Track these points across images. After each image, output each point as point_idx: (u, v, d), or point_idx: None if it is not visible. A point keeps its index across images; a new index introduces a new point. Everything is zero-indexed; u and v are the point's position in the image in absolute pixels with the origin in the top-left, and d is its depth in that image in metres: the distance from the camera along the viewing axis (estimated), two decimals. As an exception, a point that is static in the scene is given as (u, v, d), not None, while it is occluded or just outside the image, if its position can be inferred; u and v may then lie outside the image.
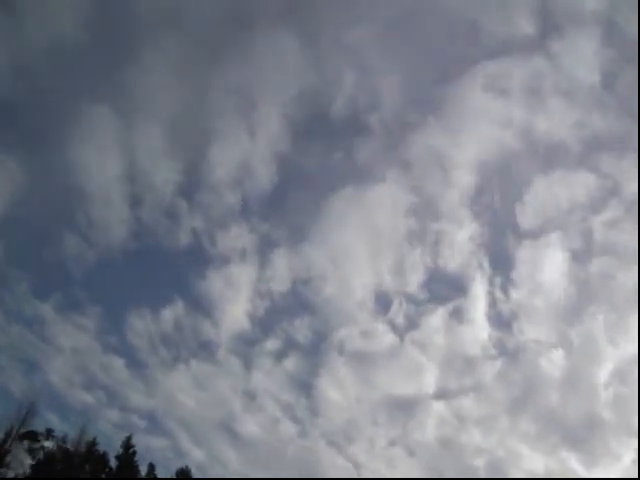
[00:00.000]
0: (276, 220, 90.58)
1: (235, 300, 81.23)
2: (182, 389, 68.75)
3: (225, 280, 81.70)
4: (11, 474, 41.00)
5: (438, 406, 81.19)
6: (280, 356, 79.59)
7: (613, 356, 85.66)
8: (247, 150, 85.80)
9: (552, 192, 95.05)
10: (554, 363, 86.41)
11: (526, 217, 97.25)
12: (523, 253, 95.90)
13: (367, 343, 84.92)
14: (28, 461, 42.55)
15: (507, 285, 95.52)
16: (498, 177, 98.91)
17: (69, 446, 44.32)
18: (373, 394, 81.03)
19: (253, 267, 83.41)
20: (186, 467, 46.98)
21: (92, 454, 44.56)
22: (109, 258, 76.64)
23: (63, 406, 59.77)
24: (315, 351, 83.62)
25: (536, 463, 72.78)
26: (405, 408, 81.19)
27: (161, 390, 68.49)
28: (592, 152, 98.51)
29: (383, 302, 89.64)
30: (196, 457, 61.59)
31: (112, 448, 45.68)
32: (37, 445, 43.90)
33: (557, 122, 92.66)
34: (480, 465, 73.00)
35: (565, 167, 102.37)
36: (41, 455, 43.68)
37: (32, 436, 43.71)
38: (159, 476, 46.60)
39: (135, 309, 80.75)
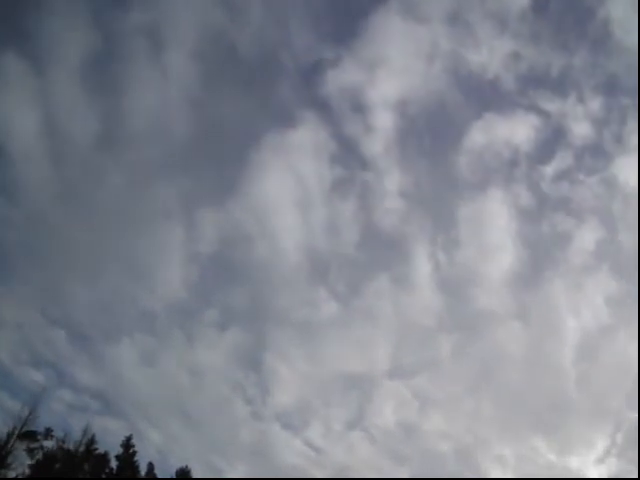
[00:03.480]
0: (198, 175, 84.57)
1: (167, 264, 77.11)
2: (129, 365, 66.49)
3: (154, 242, 77.37)
4: (12, 474, 40.89)
5: (394, 386, 77.33)
6: (221, 327, 76.32)
7: (576, 328, 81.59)
8: (162, 96, 79.98)
9: (491, 137, 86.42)
10: (513, 337, 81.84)
11: (464, 167, 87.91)
12: (464, 210, 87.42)
13: (309, 312, 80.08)
14: (28, 461, 42.51)
15: (450, 247, 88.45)
16: (426, 120, 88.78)
17: (69, 446, 44.35)
18: (324, 370, 76.93)
19: (180, 227, 79.12)
20: (186, 467, 47.47)
21: (92, 454, 44.66)
22: (39, 219, 71.13)
23: (12, 383, 56.47)
24: (256, 321, 79.44)
25: (505, 449, 70.90)
26: (359, 387, 77.18)
27: (108, 366, 65.83)
28: (530, 89, 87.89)
29: (320, 266, 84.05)
30: (154, 440, 58.94)
31: (72, 431, 44.80)
32: (36, 445, 43.84)
33: (488, 54, 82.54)
34: (446, 451, 71.00)
35: (503, 107, 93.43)
36: (40, 455, 43.64)
37: (31, 436, 43.62)
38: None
39: (71, 278, 75.89)
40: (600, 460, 68.13)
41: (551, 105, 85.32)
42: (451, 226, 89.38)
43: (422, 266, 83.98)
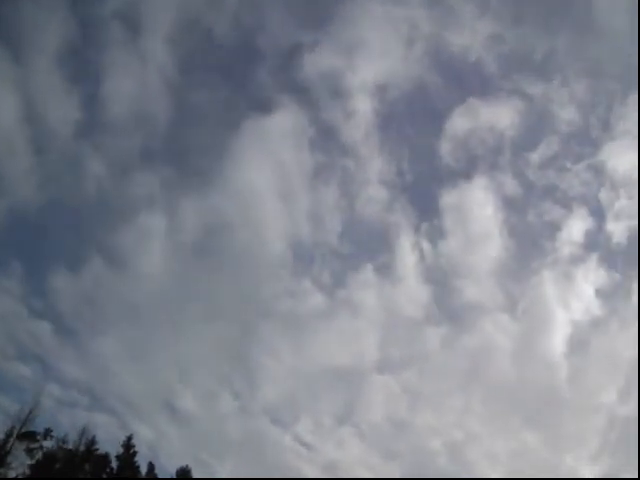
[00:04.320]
0: (179, 162, 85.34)
1: (150, 254, 76.21)
2: (115, 358, 64.78)
3: (136, 231, 76.20)
4: (12, 474, 40.62)
5: (383, 380, 76.00)
6: (206, 319, 74.31)
7: (566, 321, 79.95)
8: (140, 83, 79.31)
9: (474, 122, 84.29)
10: (502, 329, 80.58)
11: (447, 154, 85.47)
12: (448, 198, 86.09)
13: (294, 303, 78.88)
14: (28, 461, 42.23)
15: (435, 236, 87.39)
16: (407, 105, 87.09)
17: (69, 446, 44.09)
18: (311, 364, 75.82)
19: (162, 216, 78.14)
20: (186, 466, 47.24)
21: (92, 454, 44.40)
22: (20, 209, 69.57)
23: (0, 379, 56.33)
24: (241, 313, 77.65)
25: (496, 445, 69.51)
26: (347, 381, 76.08)
27: (95, 360, 64.42)
28: (513, 72, 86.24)
29: (303, 256, 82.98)
30: (144, 435, 57.69)
31: (62, 428, 45.22)
32: (36, 445, 43.57)
33: (470, 36, 80.00)
34: (437, 447, 69.76)
35: (486, 91, 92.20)
36: (40, 455, 43.37)
37: (31, 436, 43.36)
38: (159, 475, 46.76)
39: (53, 268, 76.13)
40: (594, 458, 67.08)
41: (535, 89, 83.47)
42: (435, 215, 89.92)
43: (406, 256, 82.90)
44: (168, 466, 49.82)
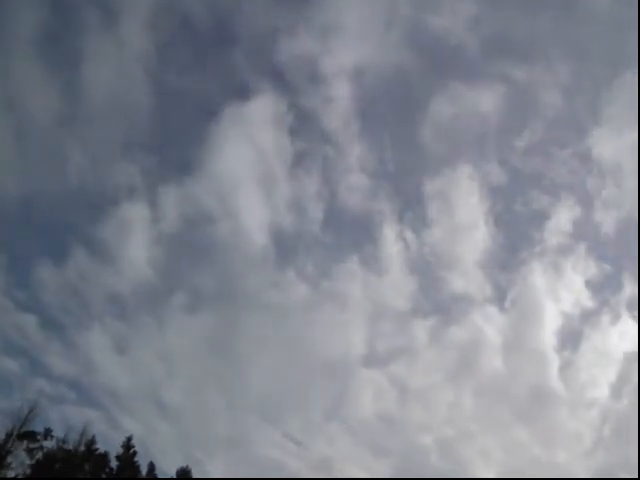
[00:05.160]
0: (159, 150, 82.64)
1: (132, 245, 75.40)
2: (101, 352, 64.43)
3: (119, 222, 75.04)
4: (12, 474, 40.58)
5: (371, 374, 74.87)
6: (191, 311, 73.71)
7: (556, 313, 78.36)
8: (119, 70, 77.64)
9: (456, 108, 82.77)
10: (491, 322, 78.96)
11: (429, 140, 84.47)
12: (432, 186, 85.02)
13: (279, 295, 77.64)
14: (28, 461, 42.18)
15: (419, 226, 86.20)
16: (387, 90, 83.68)
17: (69, 446, 44.03)
18: (298, 357, 74.50)
19: (143, 207, 77.14)
20: (186, 467, 47.16)
21: (92, 454, 44.34)
22: (3, 200, 68.18)
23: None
24: (225, 305, 77.04)
25: (488, 441, 68.45)
26: (335, 375, 74.70)
27: (81, 353, 63.98)
28: (495, 56, 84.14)
29: (286, 246, 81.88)
30: (133, 430, 55.96)
31: (51, 424, 43.92)
32: (36, 445, 43.53)
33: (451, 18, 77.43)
34: (429, 443, 68.60)
35: (468, 75, 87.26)
36: (40, 455, 43.33)
37: (31, 436, 43.32)
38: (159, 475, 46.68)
39: (37, 260, 74.85)
40: (588, 454, 66.16)
41: (519, 73, 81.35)
42: (419, 204, 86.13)
43: (391, 247, 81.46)
44: (162, 464, 48.92)
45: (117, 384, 61.74)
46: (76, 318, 67.68)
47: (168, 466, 48.60)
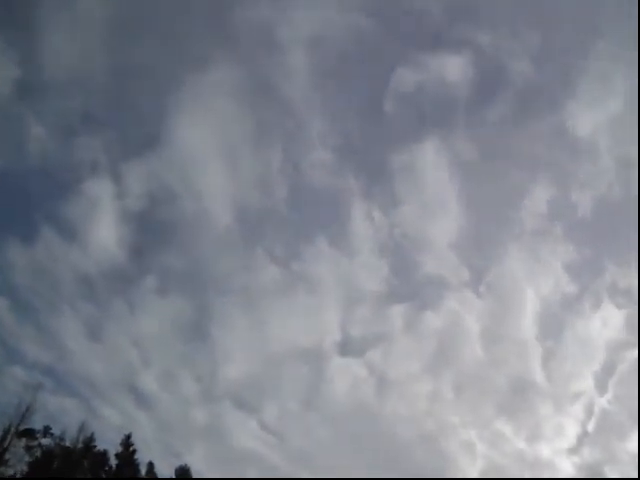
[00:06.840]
0: (120, 123, 76.34)
1: (99, 225, 71.96)
2: (74, 337, 61.56)
3: (84, 200, 71.41)
4: (10, 472, 40.31)
5: (347, 363, 72.57)
6: (161, 294, 71.25)
7: (535, 298, 74.59)
8: (76, 40, 71.90)
9: (421, 77, 76.79)
10: (468, 308, 75.74)
11: (393, 112, 78.27)
12: (398, 161, 79.24)
13: (249, 277, 74.78)
14: (27, 459, 41.93)
15: (388, 204, 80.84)
16: (346, 58, 77.52)
17: (67, 443, 43.76)
18: (271, 343, 71.46)
19: (108, 183, 73.13)
20: (185, 465, 46.85)
21: (90, 451, 44.05)
22: None
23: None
24: (195, 287, 74.00)
25: (470, 434, 66.15)
26: (310, 362, 71.95)
27: (54, 339, 61.13)
28: (460, 21, 75.77)
29: (253, 225, 78.53)
30: (111, 419, 54.66)
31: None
32: (34, 443, 43.30)
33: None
34: (410, 436, 66.68)
35: (432, 42, 79.51)
36: (39, 453, 43.09)
37: (29, 433, 43.08)
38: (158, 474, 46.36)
39: (5, 240, 69.89)
40: (573, 450, 64.61)
41: (484, 38, 74.86)
42: (386, 180, 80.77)
43: (360, 226, 77.84)
44: (144, 457, 47.24)
45: (91, 370, 59.76)
46: (47, 301, 65.14)
47: (152, 458, 47.48)
